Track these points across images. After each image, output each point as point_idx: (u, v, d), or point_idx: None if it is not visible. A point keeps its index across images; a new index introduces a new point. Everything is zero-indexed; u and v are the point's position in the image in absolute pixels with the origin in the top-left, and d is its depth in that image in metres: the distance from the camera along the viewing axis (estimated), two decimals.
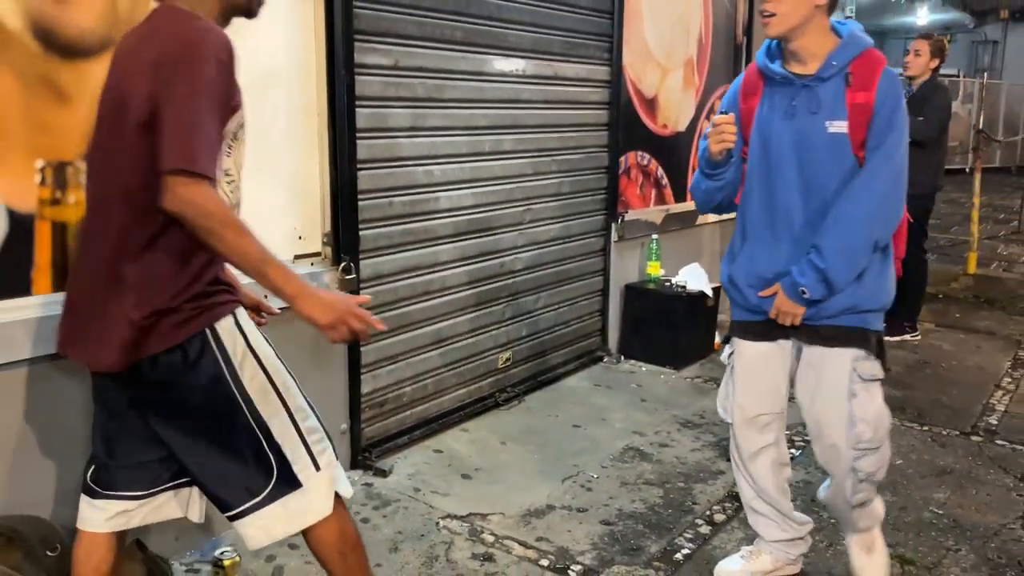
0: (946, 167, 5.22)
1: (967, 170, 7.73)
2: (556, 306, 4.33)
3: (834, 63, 2.10)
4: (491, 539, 2.74)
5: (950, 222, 9.19)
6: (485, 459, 3.35)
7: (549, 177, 4.12)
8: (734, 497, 3.03)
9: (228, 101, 1.68)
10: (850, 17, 17.63)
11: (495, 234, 3.85)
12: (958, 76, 16.07)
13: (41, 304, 2.17)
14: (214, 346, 1.73)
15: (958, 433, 3.70)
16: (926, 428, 3.75)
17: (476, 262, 3.76)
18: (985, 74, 16.16)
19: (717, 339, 4.74)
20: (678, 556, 2.67)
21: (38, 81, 2.12)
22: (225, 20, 1.82)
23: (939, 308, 5.97)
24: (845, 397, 2.19)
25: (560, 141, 4.15)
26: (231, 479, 1.77)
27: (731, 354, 2.40)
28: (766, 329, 2.29)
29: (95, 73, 2.23)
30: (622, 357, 4.69)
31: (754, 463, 2.39)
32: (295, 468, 1.79)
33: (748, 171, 2.26)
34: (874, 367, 2.21)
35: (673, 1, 4.85)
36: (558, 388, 4.24)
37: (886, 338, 2.10)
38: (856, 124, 2.08)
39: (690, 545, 2.72)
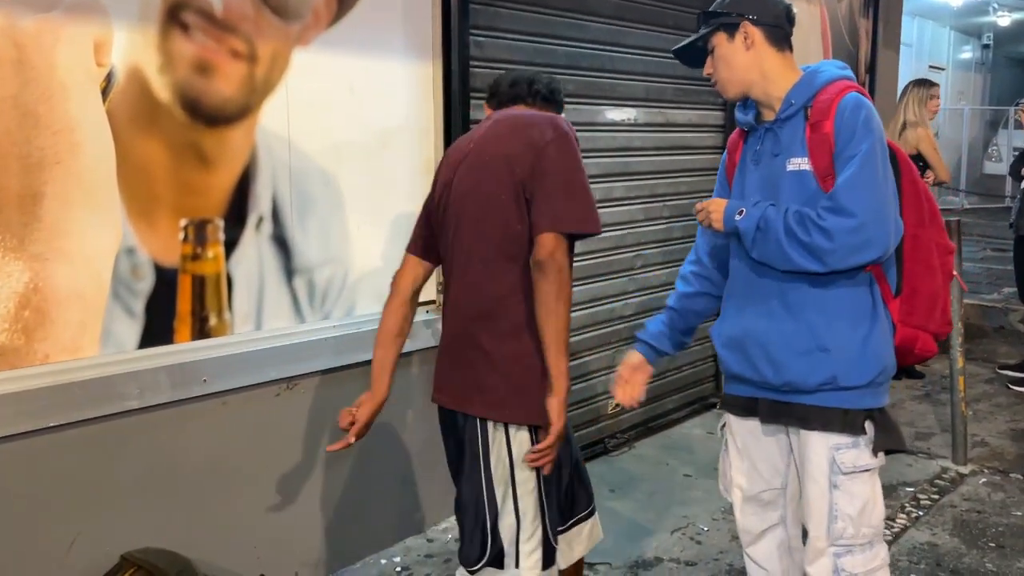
0: None
1: None
2: None
3: (793, 102, 1.92)
4: None
5: None
6: None
7: (660, 222, 4.13)
8: None
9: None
10: (987, 46, 16.78)
11: (605, 280, 3.88)
12: None
13: (181, 351, 2.36)
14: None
15: None
16: None
17: (586, 308, 3.80)
18: None
19: None
20: None
21: (184, 147, 2.33)
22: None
23: None
24: (826, 488, 1.92)
25: (672, 186, 4.15)
26: (465, 536, 1.95)
27: (723, 427, 2.17)
28: (749, 404, 2.04)
29: (234, 138, 2.43)
30: None
31: (758, 546, 2.14)
32: (507, 554, 1.91)
33: None
34: (858, 456, 1.89)
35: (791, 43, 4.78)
36: (669, 435, 4.19)
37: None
38: (819, 156, 1.88)
39: None
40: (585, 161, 3.57)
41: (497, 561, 1.91)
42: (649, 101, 3.94)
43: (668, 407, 4.34)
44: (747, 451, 2.10)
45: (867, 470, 1.92)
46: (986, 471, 3.70)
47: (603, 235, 3.80)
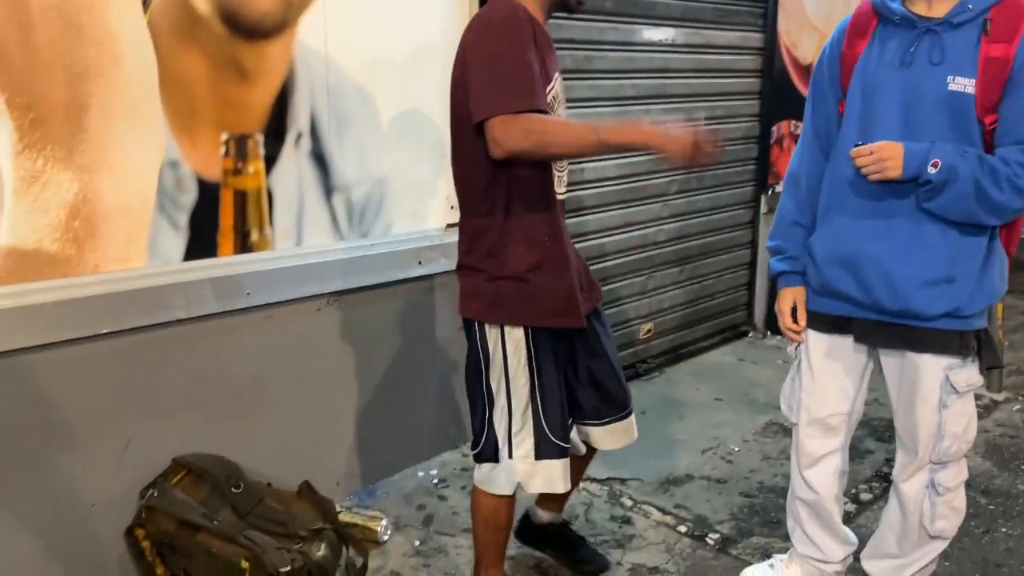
0: None
1: None
2: (700, 279, 4.29)
3: (970, 6, 1.71)
4: (629, 503, 2.80)
5: None
6: None
7: None
8: (881, 477, 2.95)
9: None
10: None
11: (639, 205, 3.86)
12: None
13: (225, 264, 2.41)
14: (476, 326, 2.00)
15: None
16: None
17: (619, 233, 3.79)
18: None
19: None
20: None
21: (224, 61, 2.33)
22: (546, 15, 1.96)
23: None
24: (936, 408, 1.91)
25: (709, 110, 4.09)
26: (473, 430, 2.07)
27: (798, 346, 2.12)
28: (841, 321, 1.98)
29: (272, 53, 2.43)
30: (769, 332, 4.59)
31: (815, 469, 2.13)
32: (500, 446, 2.02)
33: (843, 128, 1.91)
34: (970, 375, 1.89)
35: None
36: (700, 362, 4.22)
37: None
38: (988, 83, 1.70)
39: None
40: (621, 82, 3.60)
41: (493, 455, 2.02)
42: (687, 21, 3.85)
43: (699, 334, 4.36)
44: (821, 372, 2.06)
45: (976, 387, 1.92)
46: (1020, 398, 3.70)
47: (637, 159, 3.78)
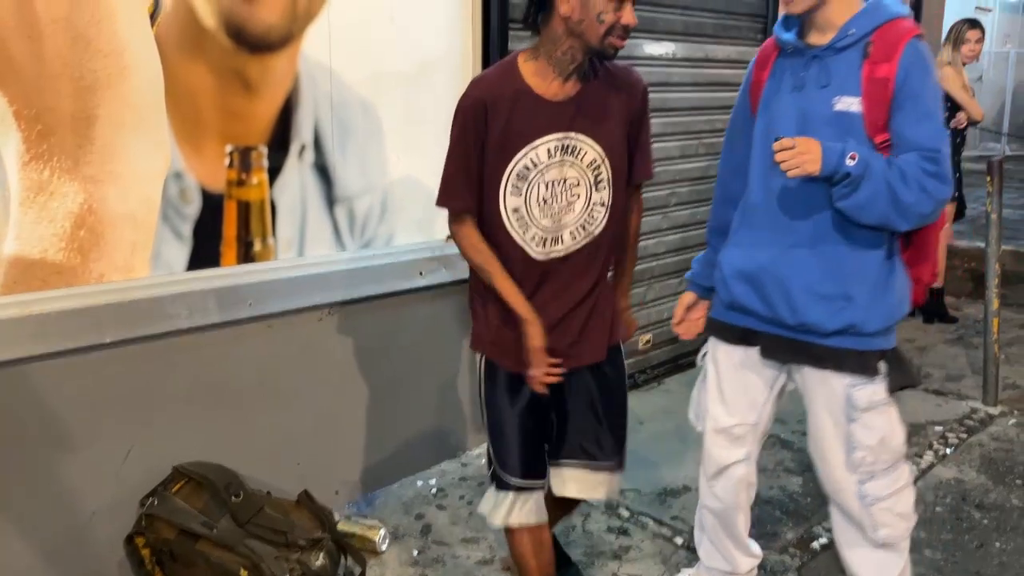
0: None
1: None
2: None
3: (852, 31, 1.80)
4: (626, 514, 2.82)
5: None
6: None
7: (696, 160, 4.11)
8: None
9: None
10: None
11: None
12: None
13: (228, 275, 2.43)
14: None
15: None
16: None
17: None
18: None
19: None
20: (815, 545, 2.65)
21: (229, 74, 2.36)
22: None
23: None
24: (843, 422, 1.93)
25: (708, 123, 4.12)
26: None
27: (704, 355, 2.15)
28: (745, 334, 2.01)
29: (277, 66, 2.46)
30: None
31: (721, 478, 2.15)
32: (491, 473, 2.07)
33: (752, 150, 1.97)
34: (873, 393, 1.90)
35: None
36: (697, 373, 4.23)
37: None
38: (873, 102, 1.78)
39: (828, 535, 2.68)
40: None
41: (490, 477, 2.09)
42: (688, 35, 3.89)
43: (698, 345, 4.37)
44: (728, 383, 2.08)
45: (883, 404, 1.93)
46: (1016, 412, 3.72)
47: None
